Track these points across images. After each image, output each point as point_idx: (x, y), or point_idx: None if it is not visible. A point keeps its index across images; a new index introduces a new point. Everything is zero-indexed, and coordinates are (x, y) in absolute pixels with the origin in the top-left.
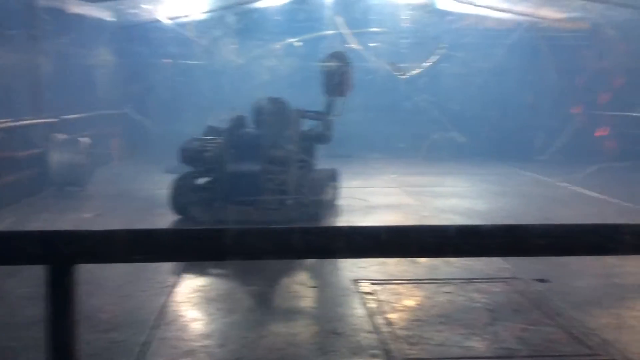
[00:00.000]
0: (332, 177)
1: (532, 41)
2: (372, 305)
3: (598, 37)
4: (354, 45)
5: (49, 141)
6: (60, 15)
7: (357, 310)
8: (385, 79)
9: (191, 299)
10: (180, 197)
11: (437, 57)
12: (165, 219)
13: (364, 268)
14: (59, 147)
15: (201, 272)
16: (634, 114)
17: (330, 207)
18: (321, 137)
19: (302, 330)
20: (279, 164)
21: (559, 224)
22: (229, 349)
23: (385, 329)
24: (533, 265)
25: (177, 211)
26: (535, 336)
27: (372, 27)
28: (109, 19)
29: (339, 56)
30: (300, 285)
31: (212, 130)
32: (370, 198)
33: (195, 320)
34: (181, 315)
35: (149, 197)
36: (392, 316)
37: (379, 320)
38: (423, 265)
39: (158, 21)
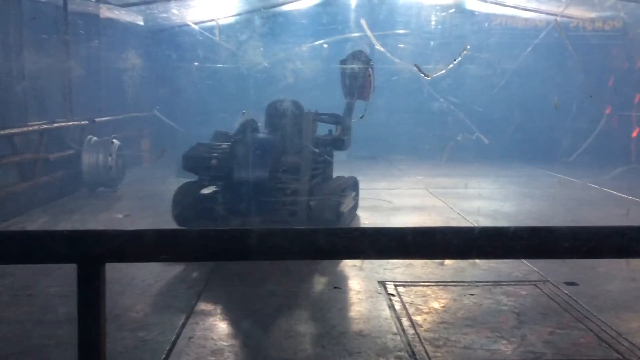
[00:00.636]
0: (351, 187)
1: (560, 41)
2: (398, 307)
3: (629, 37)
4: (379, 47)
5: (81, 143)
6: (94, 19)
7: (383, 312)
8: (410, 80)
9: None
10: (183, 207)
11: (462, 58)
12: None
13: (390, 270)
14: (91, 148)
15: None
16: None
17: (348, 219)
18: (338, 143)
19: (327, 331)
20: (290, 172)
21: (584, 226)
22: (253, 349)
23: (411, 331)
24: (561, 268)
25: (179, 222)
26: (563, 340)
27: (398, 29)
28: (140, 23)
29: (359, 56)
30: (326, 287)
31: (219, 135)
32: (395, 200)
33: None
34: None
35: None
36: (418, 318)
37: (405, 322)
38: (449, 267)
39: (187, 25)
